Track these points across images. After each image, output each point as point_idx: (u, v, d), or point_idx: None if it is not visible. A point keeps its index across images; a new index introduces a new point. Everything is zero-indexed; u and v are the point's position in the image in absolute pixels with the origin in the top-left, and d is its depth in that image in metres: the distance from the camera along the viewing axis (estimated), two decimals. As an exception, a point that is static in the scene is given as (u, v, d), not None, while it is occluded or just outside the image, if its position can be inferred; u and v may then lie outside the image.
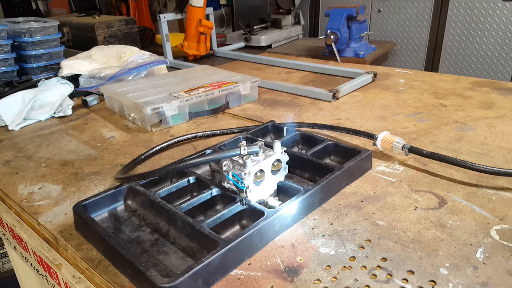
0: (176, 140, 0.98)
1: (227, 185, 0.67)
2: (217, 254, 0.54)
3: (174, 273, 0.56)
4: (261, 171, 0.66)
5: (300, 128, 0.97)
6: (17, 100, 1.15)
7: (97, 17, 2.13)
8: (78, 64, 1.47)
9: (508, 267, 0.55)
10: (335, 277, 0.54)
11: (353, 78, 1.43)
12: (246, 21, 2.42)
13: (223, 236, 0.63)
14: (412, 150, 0.82)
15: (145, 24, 3.70)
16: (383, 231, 0.63)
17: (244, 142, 0.65)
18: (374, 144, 0.88)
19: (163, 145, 0.95)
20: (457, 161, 0.77)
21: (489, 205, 0.69)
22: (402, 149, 0.83)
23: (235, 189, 0.66)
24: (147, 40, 2.60)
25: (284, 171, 0.70)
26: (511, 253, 0.57)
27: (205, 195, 0.69)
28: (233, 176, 0.64)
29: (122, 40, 2.05)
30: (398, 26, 2.80)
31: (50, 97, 1.21)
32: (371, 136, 0.89)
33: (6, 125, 1.16)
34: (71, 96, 1.29)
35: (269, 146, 0.69)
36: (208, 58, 2.02)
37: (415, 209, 0.69)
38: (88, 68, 1.44)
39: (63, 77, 1.36)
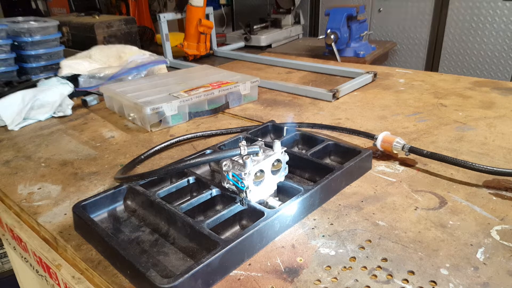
0: (175, 140, 0.98)
1: (227, 185, 0.67)
2: (217, 255, 0.53)
3: (173, 273, 0.56)
4: (261, 171, 0.66)
5: (300, 128, 0.97)
6: (17, 100, 1.15)
7: (97, 17, 2.13)
8: (78, 64, 1.47)
9: (508, 268, 0.55)
10: (335, 278, 0.54)
11: (353, 78, 1.43)
12: (246, 21, 2.42)
13: (223, 237, 0.63)
14: (412, 150, 0.82)
15: (145, 23, 3.70)
16: (384, 231, 0.63)
17: (244, 142, 0.65)
18: (374, 145, 0.88)
19: (162, 145, 0.95)
20: (457, 161, 0.77)
21: (490, 205, 0.69)
22: (402, 149, 0.83)
23: (235, 189, 0.65)
24: (147, 40, 2.60)
25: (284, 171, 0.70)
26: (511, 254, 0.57)
27: (205, 195, 0.69)
28: (233, 176, 0.64)
29: (122, 40, 2.05)
30: (398, 26, 2.80)
31: (50, 97, 1.21)
32: (371, 137, 0.89)
33: (6, 125, 1.15)
34: (71, 96, 1.29)
35: (269, 146, 0.69)
36: (208, 58, 2.02)
37: (415, 209, 0.68)
38: (88, 68, 1.44)
39: (63, 77, 1.36)
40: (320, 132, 1.00)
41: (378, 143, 0.87)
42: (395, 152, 0.85)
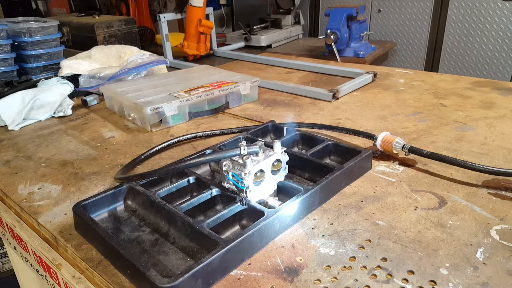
0: (176, 140, 0.98)
1: (227, 185, 0.67)
2: (217, 254, 0.54)
3: (174, 273, 0.56)
4: (261, 171, 0.66)
5: (300, 129, 0.97)
6: (17, 100, 1.15)
7: (97, 17, 2.13)
8: (78, 64, 1.47)
9: (508, 267, 0.55)
10: (335, 277, 0.54)
11: (353, 78, 1.43)
12: (246, 21, 2.42)
13: (223, 236, 0.63)
14: (412, 150, 0.82)
15: (145, 24, 3.70)
16: (383, 231, 0.63)
17: (244, 142, 0.65)
18: (374, 145, 0.88)
19: (163, 145, 0.95)
20: (457, 161, 0.77)
21: (489, 205, 0.69)
22: (402, 149, 0.83)
23: (235, 189, 0.66)
24: (147, 40, 2.60)
25: (284, 171, 0.70)
26: (511, 253, 0.57)
27: (205, 195, 0.69)
28: (233, 176, 0.64)
29: (122, 40, 2.05)
30: (398, 26, 2.80)
31: (50, 97, 1.21)
32: (371, 137, 0.89)
33: (6, 125, 1.16)
34: (71, 96, 1.29)
35: (269, 146, 0.69)
36: (208, 58, 2.02)
37: (415, 209, 0.69)
38: (88, 68, 1.44)
39: (63, 77, 1.36)
40: (320, 132, 1.00)
41: (378, 143, 0.87)
42: (395, 152, 0.85)
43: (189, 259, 0.59)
